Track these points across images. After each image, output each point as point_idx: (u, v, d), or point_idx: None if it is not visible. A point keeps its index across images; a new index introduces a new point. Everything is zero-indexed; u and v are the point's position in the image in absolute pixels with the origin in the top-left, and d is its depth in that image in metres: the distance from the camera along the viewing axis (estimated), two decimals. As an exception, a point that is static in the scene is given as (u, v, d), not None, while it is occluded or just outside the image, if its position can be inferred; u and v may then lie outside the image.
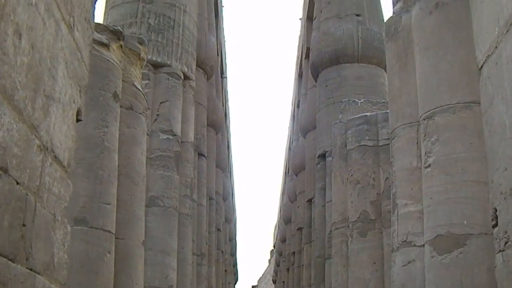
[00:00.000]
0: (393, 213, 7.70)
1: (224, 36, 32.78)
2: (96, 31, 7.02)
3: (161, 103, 12.59)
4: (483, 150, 6.63)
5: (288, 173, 33.16)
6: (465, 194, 6.48)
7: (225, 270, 32.98)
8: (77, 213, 6.02)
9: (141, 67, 8.02)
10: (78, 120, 3.73)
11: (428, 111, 7.17)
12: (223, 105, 27.16)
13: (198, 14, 16.48)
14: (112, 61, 6.88)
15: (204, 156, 17.51)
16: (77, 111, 3.72)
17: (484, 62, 4.54)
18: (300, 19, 34.27)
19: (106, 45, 6.97)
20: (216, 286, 24.18)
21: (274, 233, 55.56)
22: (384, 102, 14.79)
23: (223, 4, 30.52)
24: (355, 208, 11.79)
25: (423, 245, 6.78)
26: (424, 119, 7.22)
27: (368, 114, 12.96)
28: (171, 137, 12.21)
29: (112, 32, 7.22)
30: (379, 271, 11.19)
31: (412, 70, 7.81)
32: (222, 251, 28.84)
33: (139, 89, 7.53)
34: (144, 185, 7.29)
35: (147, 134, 11.89)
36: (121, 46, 7.38)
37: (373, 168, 11.89)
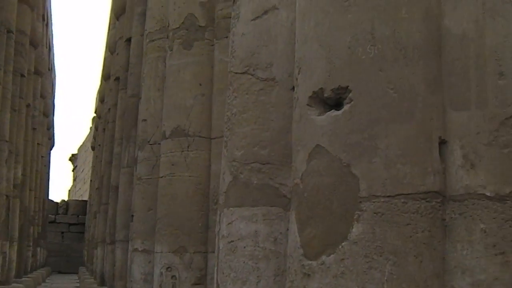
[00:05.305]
0: None
1: None
2: None
3: None
4: None
5: (110, 21, 29.13)
6: None
7: (34, 128, 28.99)
8: None
9: None
10: None
11: None
12: None
13: None
14: None
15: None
16: None
17: None
18: None
19: None
20: (15, 137, 20.25)
21: (96, 98, 51.28)
22: None
23: None
24: (178, 11, 8.49)
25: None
26: None
27: None
28: None
29: None
30: (206, 96, 8.09)
31: None
32: (28, 104, 24.71)
33: None
34: None
35: None
36: None
37: (206, -39, 8.60)
